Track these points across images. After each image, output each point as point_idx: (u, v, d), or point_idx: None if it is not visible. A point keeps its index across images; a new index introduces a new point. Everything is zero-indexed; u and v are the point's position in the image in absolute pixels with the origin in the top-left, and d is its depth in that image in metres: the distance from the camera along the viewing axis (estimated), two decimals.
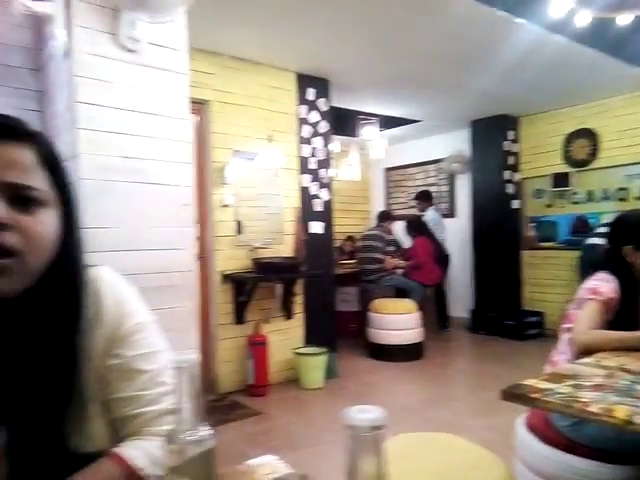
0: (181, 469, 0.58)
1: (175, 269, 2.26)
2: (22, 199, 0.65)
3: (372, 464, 0.41)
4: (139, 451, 0.70)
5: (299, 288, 4.23)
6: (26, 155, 0.67)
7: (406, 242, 5.81)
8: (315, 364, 3.95)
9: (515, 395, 1.26)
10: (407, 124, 6.02)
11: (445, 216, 6.42)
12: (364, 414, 0.41)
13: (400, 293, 5.21)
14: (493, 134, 5.82)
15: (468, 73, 4.28)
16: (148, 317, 0.81)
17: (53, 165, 0.70)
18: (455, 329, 5.96)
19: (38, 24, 2.50)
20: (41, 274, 0.67)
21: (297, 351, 4.02)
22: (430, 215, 5.89)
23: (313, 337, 4.27)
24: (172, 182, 2.25)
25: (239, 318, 3.92)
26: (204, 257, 3.76)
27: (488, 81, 4.48)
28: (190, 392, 0.58)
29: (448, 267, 5.94)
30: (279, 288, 4.07)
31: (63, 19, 1.92)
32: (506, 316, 5.58)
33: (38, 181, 0.67)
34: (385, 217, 5.53)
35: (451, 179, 6.51)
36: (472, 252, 6.04)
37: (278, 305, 4.11)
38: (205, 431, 0.59)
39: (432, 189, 6.62)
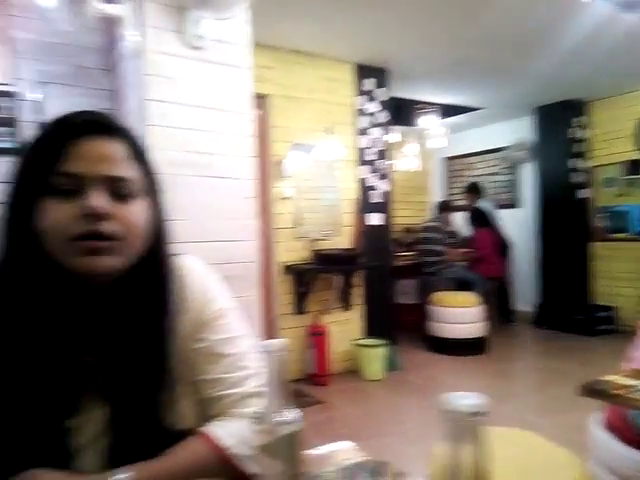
0: (269, 448, 0.59)
1: (239, 260, 2.32)
2: (118, 190, 0.69)
3: (471, 451, 0.40)
4: (225, 431, 0.72)
5: (358, 280, 4.23)
6: (118, 149, 0.71)
7: (467, 233, 5.67)
8: (375, 356, 3.94)
9: (595, 391, 1.20)
10: (468, 112, 5.85)
11: (508, 206, 6.21)
12: (464, 400, 0.40)
13: (461, 286, 5.08)
14: (559, 121, 5.54)
15: (532, 57, 4.08)
16: (230, 303, 0.84)
17: (141, 157, 0.74)
18: (519, 323, 5.76)
19: (109, 26, 2.62)
20: (134, 260, 0.71)
21: (357, 342, 4.03)
22: (482, 207, 5.72)
23: (372, 329, 4.26)
24: (235, 175, 2.31)
25: (299, 308, 3.97)
26: (265, 249, 3.83)
27: (553, 65, 4.26)
28: (278, 375, 0.60)
29: (510, 258, 5.75)
30: (338, 279, 4.09)
31: (134, 20, 2.00)
32: (575, 310, 5.32)
33: (130, 173, 0.71)
34: (444, 208, 5.41)
35: (514, 168, 6.27)
36: (537, 244, 5.80)
37: (337, 296, 4.13)
38: (293, 413, 0.60)
39: (494, 179, 6.43)
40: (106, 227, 0.66)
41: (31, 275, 0.67)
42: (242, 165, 2.30)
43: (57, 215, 0.65)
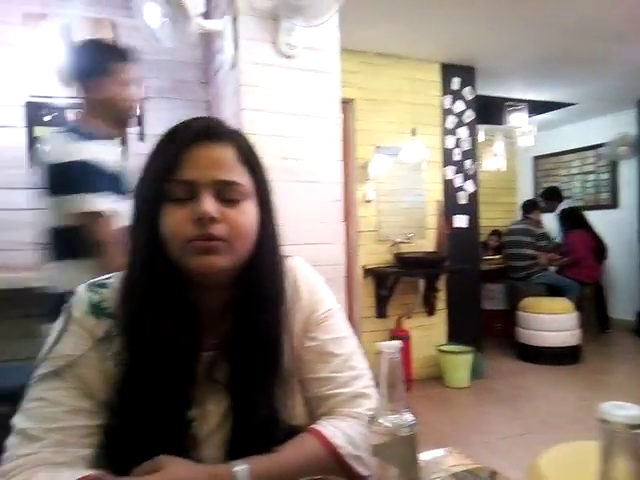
0: (383, 449, 0.60)
1: (327, 263, 2.35)
2: (227, 193, 0.72)
3: (628, 465, 0.38)
4: (337, 430, 0.73)
5: (442, 284, 4.13)
6: (228, 153, 0.73)
7: (558, 235, 5.36)
8: (461, 362, 3.84)
9: None
10: (559, 108, 5.53)
11: (605, 207, 5.79)
12: (621, 410, 0.39)
13: (553, 291, 4.81)
14: None
15: (631, 45, 3.78)
16: (336, 304, 0.86)
17: (251, 160, 0.76)
18: (617, 332, 5.34)
19: (206, 41, 2.78)
20: (245, 259, 0.74)
21: (441, 348, 3.94)
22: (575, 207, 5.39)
23: (456, 335, 4.15)
24: (323, 179, 2.34)
25: (380, 312, 3.95)
26: (348, 252, 3.86)
27: None
28: (393, 377, 0.61)
29: (606, 262, 5.36)
30: (421, 283, 4.02)
31: (230, 33, 2.10)
32: None
33: (240, 176, 0.73)
34: (531, 207, 5.13)
35: (613, 166, 5.84)
36: (639, 246, 5.36)
37: (420, 301, 4.06)
38: (407, 415, 0.60)
39: (590, 177, 6.04)
40: (216, 230, 0.69)
41: (155, 276, 0.71)
42: (330, 169, 2.33)
43: (174, 220, 0.69)
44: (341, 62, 2.37)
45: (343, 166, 2.46)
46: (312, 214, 2.31)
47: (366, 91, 3.87)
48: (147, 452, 0.66)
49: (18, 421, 0.68)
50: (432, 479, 0.72)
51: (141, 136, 2.87)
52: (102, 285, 0.77)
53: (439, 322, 4.16)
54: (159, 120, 2.88)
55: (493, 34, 3.60)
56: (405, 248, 3.97)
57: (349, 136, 3.81)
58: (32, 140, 2.67)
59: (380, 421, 0.60)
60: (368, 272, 3.93)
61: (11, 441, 0.67)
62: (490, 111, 4.95)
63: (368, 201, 3.93)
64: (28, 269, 2.62)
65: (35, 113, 2.67)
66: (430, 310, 4.11)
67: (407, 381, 3.78)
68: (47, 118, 2.69)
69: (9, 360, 2.47)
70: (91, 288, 0.77)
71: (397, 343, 0.61)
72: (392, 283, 3.89)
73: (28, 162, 2.69)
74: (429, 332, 4.09)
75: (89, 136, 1.54)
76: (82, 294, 0.76)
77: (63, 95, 2.72)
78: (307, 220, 2.30)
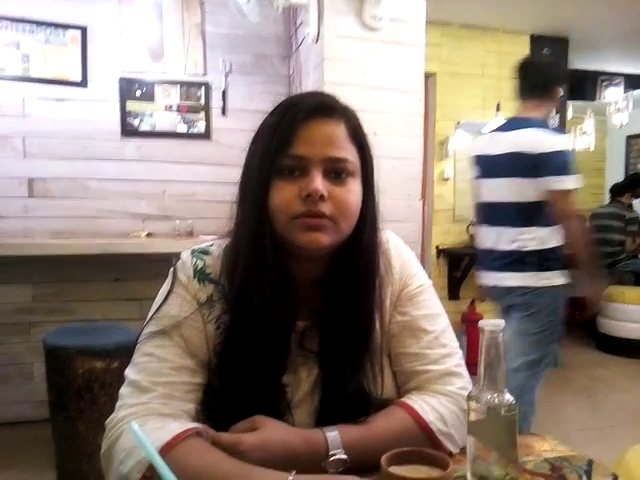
0: (480, 427, 0.60)
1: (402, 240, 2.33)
2: (336, 170, 0.72)
3: None
4: (427, 406, 0.73)
5: None
6: (340, 129, 0.73)
7: None
8: None
9: None
10: None
11: None
12: None
13: None
14: None
15: None
16: (428, 281, 0.85)
17: (359, 137, 0.75)
18: None
19: (289, 15, 2.78)
20: (349, 235, 0.75)
21: None
22: None
23: None
24: (403, 155, 2.31)
25: (453, 294, 3.87)
26: (422, 231, 3.78)
27: None
28: (494, 356, 0.60)
29: None
30: None
31: (316, 6, 2.09)
32: None
33: (349, 153, 0.73)
34: (623, 190, 4.76)
35: None
36: None
37: None
38: (508, 396, 0.59)
39: None
40: (323, 208, 0.70)
41: (260, 247, 0.72)
42: (411, 145, 2.29)
43: (283, 195, 0.70)
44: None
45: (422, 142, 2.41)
46: (389, 190, 2.27)
47: (448, 64, 3.73)
48: (243, 412, 0.70)
49: (130, 373, 0.73)
50: (524, 462, 0.70)
51: (223, 111, 2.94)
52: (205, 252, 0.80)
53: None
54: (240, 95, 2.93)
55: (589, 1, 3.32)
56: None
57: (429, 111, 3.70)
58: (124, 114, 2.82)
59: (479, 398, 0.60)
60: (441, 252, 3.85)
61: (124, 391, 0.72)
62: (581, 86, 4.62)
63: (446, 179, 3.82)
64: (118, 236, 2.80)
65: (128, 88, 2.81)
66: None
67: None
68: (138, 93, 2.82)
69: (100, 320, 2.68)
70: (195, 254, 0.80)
71: (501, 322, 0.60)
72: (466, 265, 3.79)
73: (120, 135, 2.84)
74: None
75: (558, 130, 1.95)
76: (187, 260, 0.79)
77: (152, 71, 2.85)
78: (385, 196, 2.27)
